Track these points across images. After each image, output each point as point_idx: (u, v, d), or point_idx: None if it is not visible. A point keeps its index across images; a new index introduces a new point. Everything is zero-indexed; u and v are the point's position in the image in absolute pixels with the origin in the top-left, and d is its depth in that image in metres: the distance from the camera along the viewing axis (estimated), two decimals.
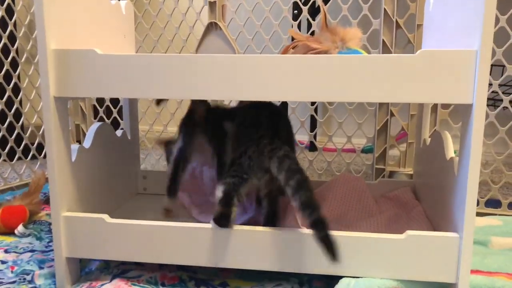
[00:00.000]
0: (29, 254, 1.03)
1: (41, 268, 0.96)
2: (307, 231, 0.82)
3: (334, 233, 0.80)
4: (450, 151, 0.89)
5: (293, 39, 1.48)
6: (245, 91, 0.79)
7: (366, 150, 1.87)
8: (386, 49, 1.38)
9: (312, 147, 2.04)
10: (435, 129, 1.35)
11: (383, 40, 1.37)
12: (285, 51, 1.02)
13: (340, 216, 1.08)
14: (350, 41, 0.86)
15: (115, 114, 1.72)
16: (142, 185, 1.30)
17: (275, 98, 0.80)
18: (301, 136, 1.56)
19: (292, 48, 1.00)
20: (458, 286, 0.78)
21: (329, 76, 0.76)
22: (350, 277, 0.81)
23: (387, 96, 0.76)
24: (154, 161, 1.90)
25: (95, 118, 1.79)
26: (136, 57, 0.81)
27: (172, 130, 1.66)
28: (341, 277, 0.82)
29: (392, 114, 1.42)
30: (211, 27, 1.49)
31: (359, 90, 0.76)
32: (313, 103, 1.56)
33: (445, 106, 1.37)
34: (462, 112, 0.77)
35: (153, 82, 0.80)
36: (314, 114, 1.54)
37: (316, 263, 0.82)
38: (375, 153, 1.47)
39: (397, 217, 1.08)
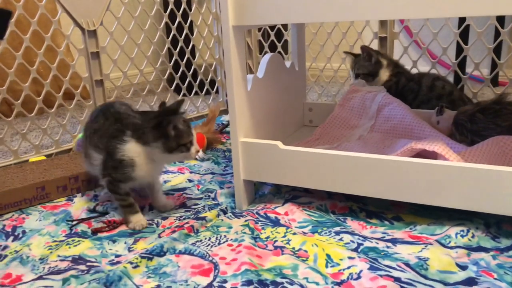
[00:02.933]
0: (210, 176, 1.14)
1: (221, 188, 1.06)
2: (499, 167, 0.72)
3: None
4: None
5: None
6: (426, 7, 0.70)
7: None
8: None
9: (493, 81, 1.78)
10: None
11: None
12: None
13: None
14: None
15: (279, 49, 1.74)
16: (308, 117, 1.31)
17: (467, 12, 0.68)
18: (481, 70, 1.36)
19: None
20: None
21: None
22: None
23: None
24: (316, 95, 1.89)
25: (260, 54, 1.84)
26: None
27: (336, 66, 1.62)
28: None
29: None
30: None
31: None
32: (502, 25, 1.33)
33: None
34: None
35: (328, 3, 0.76)
36: (506, 38, 1.31)
37: (508, 204, 0.72)
38: None
39: None
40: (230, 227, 0.86)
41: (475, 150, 0.88)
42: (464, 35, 1.46)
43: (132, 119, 0.89)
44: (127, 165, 0.86)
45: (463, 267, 0.70)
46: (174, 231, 0.84)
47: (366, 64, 1.32)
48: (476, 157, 0.86)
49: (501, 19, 1.62)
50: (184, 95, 1.69)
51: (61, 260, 0.77)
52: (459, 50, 1.41)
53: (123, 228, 0.89)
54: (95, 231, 0.88)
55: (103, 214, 0.95)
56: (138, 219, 0.89)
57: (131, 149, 0.86)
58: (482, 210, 0.75)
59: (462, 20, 1.43)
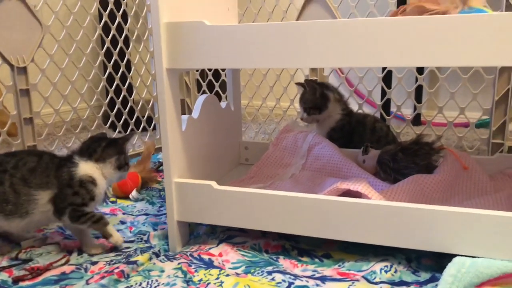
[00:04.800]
0: (144, 217, 1.12)
1: (155, 230, 1.04)
2: (417, 205, 0.78)
3: (450, 209, 0.75)
4: None
5: (398, 5, 1.39)
6: (351, 57, 0.76)
7: (479, 125, 1.72)
8: (510, 10, 1.23)
9: (416, 120, 1.93)
10: None
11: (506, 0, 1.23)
12: (393, 16, 0.95)
13: (450, 195, 1.00)
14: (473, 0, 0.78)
15: (217, 88, 1.78)
16: (244, 155, 1.34)
17: (385, 64, 0.75)
18: (405, 110, 1.47)
19: (400, 14, 0.93)
20: None
21: (448, 38, 0.69)
22: (465, 256, 0.75)
23: None
24: (253, 133, 1.93)
25: (198, 92, 1.86)
26: (244, 27, 0.81)
27: (271, 104, 1.67)
28: (453, 255, 0.76)
29: None
30: None
31: (484, 53, 0.69)
32: (421, 72, 1.45)
33: None
34: None
35: (262, 51, 0.80)
36: (423, 84, 1.44)
37: (426, 239, 0.77)
38: (491, 127, 1.34)
39: None
40: (163, 271, 0.84)
41: (396, 188, 0.94)
42: (388, 79, 1.57)
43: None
44: (87, 184, 0.90)
45: None
46: (103, 277, 0.81)
47: (311, 98, 1.30)
48: (397, 195, 0.92)
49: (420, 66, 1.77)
50: (119, 132, 1.66)
51: None
52: (384, 92, 1.52)
53: (47, 274, 0.85)
54: (16, 280, 0.82)
55: (26, 261, 0.89)
56: (118, 234, 0.94)
57: (86, 167, 0.91)
58: (403, 246, 0.80)
59: None
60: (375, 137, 1.29)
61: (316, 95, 1.30)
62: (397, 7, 1.22)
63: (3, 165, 0.88)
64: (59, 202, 0.88)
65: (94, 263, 0.89)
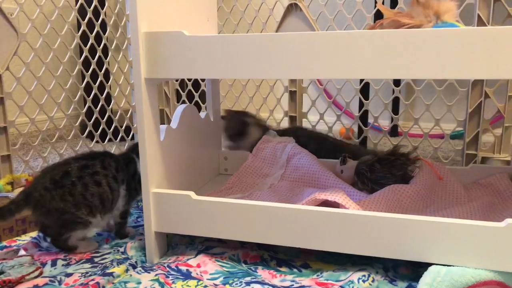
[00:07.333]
0: None
1: (132, 241, 1.02)
2: (394, 215, 0.79)
3: (426, 218, 0.77)
4: None
5: (375, 19, 1.42)
6: (329, 69, 0.77)
7: (454, 136, 1.76)
8: (481, 25, 1.27)
9: (393, 131, 1.96)
10: None
11: (478, 15, 1.27)
12: (371, 29, 0.98)
13: (425, 205, 1.02)
14: (445, 14, 0.80)
15: (196, 98, 1.77)
16: (223, 166, 1.33)
17: (362, 75, 0.77)
18: (383, 121, 1.50)
19: (377, 27, 0.95)
20: None
21: (423, 51, 0.71)
22: (441, 265, 0.77)
23: (489, 73, 0.70)
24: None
25: (177, 102, 1.86)
26: (223, 38, 0.82)
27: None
28: (429, 264, 0.78)
29: (486, 96, 1.32)
30: (291, 8, 1.48)
31: (456, 66, 0.71)
32: (397, 84, 1.49)
33: None
34: None
35: (240, 62, 0.81)
36: (399, 96, 1.47)
37: (402, 249, 0.79)
38: (465, 138, 1.37)
39: (492, 205, 1.00)
40: (139, 283, 0.83)
41: (373, 198, 0.95)
42: (365, 90, 1.60)
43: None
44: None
45: None
46: None
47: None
48: (374, 205, 0.93)
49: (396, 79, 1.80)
50: (97, 142, 1.64)
51: None
52: (361, 104, 1.54)
53: (20, 287, 0.83)
54: None
55: None
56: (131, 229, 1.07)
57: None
58: (380, 255, 0.81)
59: None
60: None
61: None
62: (374, 21, 1.25)
63: (91, 168, 0.95)
64: (129, 193, 1.01)
65: (68, 275, 0.87)
